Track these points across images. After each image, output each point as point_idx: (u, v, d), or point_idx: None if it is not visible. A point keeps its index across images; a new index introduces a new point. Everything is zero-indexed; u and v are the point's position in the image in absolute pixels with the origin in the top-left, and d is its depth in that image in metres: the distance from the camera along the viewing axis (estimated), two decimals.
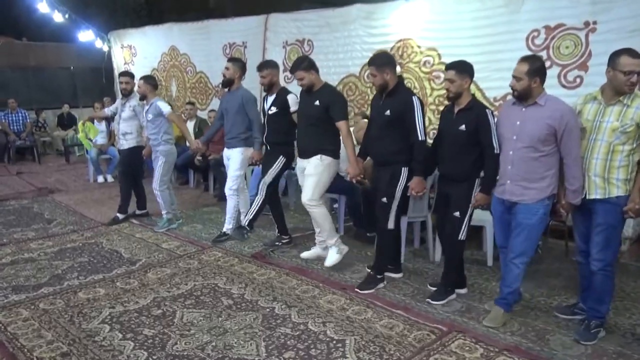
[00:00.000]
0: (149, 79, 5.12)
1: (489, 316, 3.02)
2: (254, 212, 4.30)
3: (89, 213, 5.68)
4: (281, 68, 7.28)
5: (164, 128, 4.94)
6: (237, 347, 2.74)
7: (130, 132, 5.28)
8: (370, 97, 6.35)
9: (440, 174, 3.43)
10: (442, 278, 3.41)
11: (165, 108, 4.92)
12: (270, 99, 4.29)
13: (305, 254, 4.11)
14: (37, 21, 10.43)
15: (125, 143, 5.32)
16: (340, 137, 3.82)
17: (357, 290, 3.46)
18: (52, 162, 9.20)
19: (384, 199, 3.46)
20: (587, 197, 2.80)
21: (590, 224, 2.84)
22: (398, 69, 6.07)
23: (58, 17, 8.76)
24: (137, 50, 9.67)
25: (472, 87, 5.20)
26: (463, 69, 3.17)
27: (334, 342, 2.78)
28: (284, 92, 4.27)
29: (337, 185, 4.49)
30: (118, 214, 5.36)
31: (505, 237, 3.05)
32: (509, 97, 3.47)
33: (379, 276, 3.56)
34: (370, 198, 4.36)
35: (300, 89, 4.02)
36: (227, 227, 4.67)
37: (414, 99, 3.36)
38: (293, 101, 4.16)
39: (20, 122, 9.50)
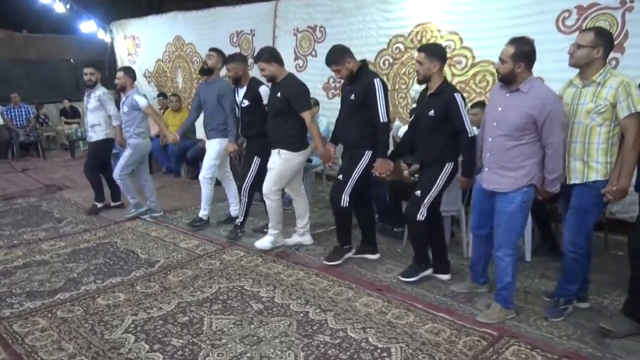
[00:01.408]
0: (130, 71, 5.04)
1: (484, 312, 2.95)
2: (243, 215, 4.41)
3: (113, 215, 5.40)
4: (292, 56, 7.10)
5: (137, 122, 4.90)
6: (275, 359, 2.54)
7: (99, 123, 5.19)
8: (389, 85, 6.15)
9: (419, 160, 3.43)
10: (413, 256, 3.46)
11: (142, 101, 4.85)
12: (241, 91, 4.27)
13: (290, 240, 4.24)
14: (37, 12, 10.18)
15: (94, 135, 5.23)
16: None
17: (325, 262, 3.68)
18: (58, 158, 8.98)
19: (340, 177, 3.59)
20: (567, 182, 2.78)
21: None
22: (416, 54, 5.89)
23: (59, 8, 8.50)
24: (141, 40, 9.41)
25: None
26: (432, 52, 3.15)
27: (379, 350, 2.58)
28: (255, 83, 4.24)
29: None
30: (96, 202, 5.43)
31: (478, 222, 3.06)
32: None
33: (345, 247, 3.75)
34: (397, 192, 4.19)
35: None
36: (203, 213, 4.77)
37: (376, 81, 3.34)
38: (265, 93, 4.14)
39: (24, 117, 9.26)
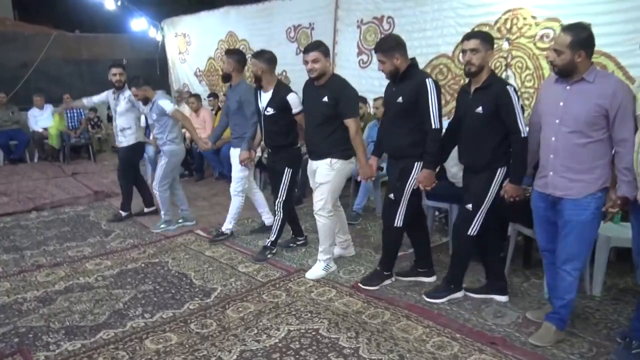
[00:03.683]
0: (145, 82, 4.64)
1: (536, 333, 2.62)
2: (276, 232, 3.97)
3: (149, 222, 5.01)
4: (354, 51, 6.45)
5: (169, 127, 4.60)
6: None
7: (129, 126, 4.98)
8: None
9: (464, 165, 3.06)
10: (447, 273, 3.15)
11: (168, 106, 4.53)
12: (265, 96, 3.81)
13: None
14: (90, 12, 9.99)
15: (124, 140, 5.01)
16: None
17: (360, 285, 3.31)
18: (108, 161, 8.69)
19: (391, 196, 3.22)
20: None
21: None
22: (505, 45, 5.14)
23: (110, 5, 8.19)
24: (192, 38, 9.04)
25: (611, 64, 4.23)
26: (486, 38, 2.84)
27: None
28: (283, 90, 3.79)
29: (448, 192, 3.67)
30: (121, 211, 5.18)
31: (547, 239, 2.68)
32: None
33: (385, 273, 3.37)
34: (504, 211, 3.47)
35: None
36: (227, 226, 4.44)
37: (428, 81, 3.00)
38: (295, 102, 3.73)
39: (75, 118, 9.04)
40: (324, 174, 3.45)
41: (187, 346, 2.69)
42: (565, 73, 2.45)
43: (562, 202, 2.51)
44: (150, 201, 5.29)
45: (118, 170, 5.28)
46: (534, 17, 4.67)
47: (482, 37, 2.82)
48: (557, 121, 2.49)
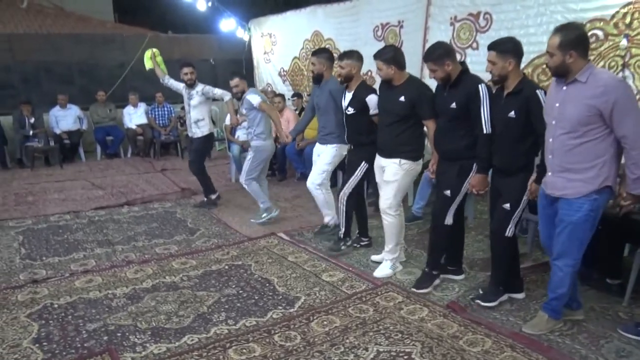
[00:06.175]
0: (243, 76, 4.95)
1: (530, 322, 2.79)
2: (344, 225, 4.06)
3: (233, 222, 5.02)
4: None
5: (256, 121, 4.73)
6: None
7: (202, 118, 5.32)
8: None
9: (494, 167, 3.07)
10: (491, 277, 3.18)
11: (255, 100, 4.65)
12: (348, 96, 3.89)
13: (376, 257, 3.89)
14: (182, 13, 10.35)
15: (198, 131, 5.37)
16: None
17: (413, 290, 3.32)
18: None
19: (447, 192, 3.23)
20: None
21: None
22: (624, 42, 4.59)
23: (201, 5, 8.41)
24: (278, 38, 9.06)
25: None
26: (505, 49, 2.80)
27: None
28: (364, 91, 3.83)
29: None
30: (208, 197, 5.57)
31: (547, 235, 2.74)
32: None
33: (434, 272, 3.39)
34: (618, 231, 3.06)
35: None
36: (328, 219, 4.43)
37: (481, 87, 3.02)
38: (374, 104, 3.74)
39: (166, 116, 9.40)
40: (393, 172, 3.51)
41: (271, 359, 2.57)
42: (559, 74, 2.46)
43: (558, 201, 2.58)
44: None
45: (190, 161, 5.61)
46: None
47: (499, 50, 2.82)
48: (553, 122, 2.52)
